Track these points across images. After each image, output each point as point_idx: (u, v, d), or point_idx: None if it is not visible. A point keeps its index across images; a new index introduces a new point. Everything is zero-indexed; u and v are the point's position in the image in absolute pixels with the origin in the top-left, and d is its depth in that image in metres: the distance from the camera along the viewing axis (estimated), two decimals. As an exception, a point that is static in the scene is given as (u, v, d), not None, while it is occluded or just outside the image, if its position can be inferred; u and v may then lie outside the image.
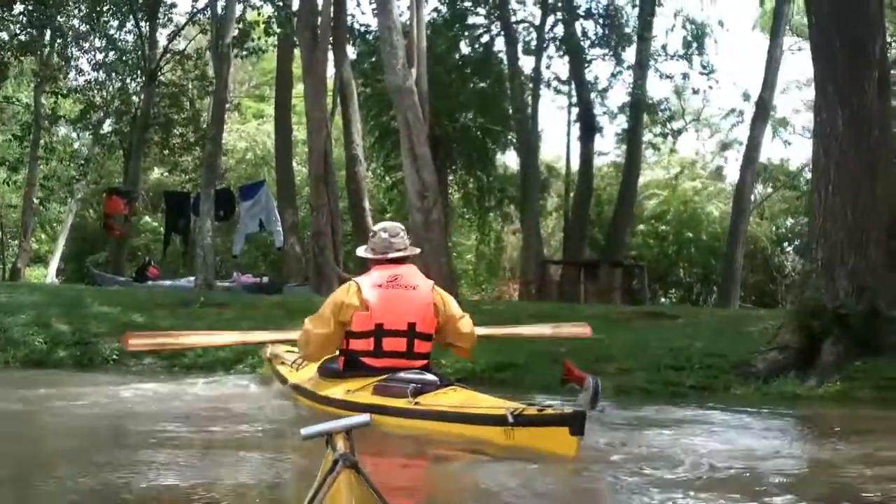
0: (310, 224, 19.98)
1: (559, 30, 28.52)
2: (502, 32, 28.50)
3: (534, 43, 28.81)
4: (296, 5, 21.22)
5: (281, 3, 23.51)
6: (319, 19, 17.86)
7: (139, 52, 29.61)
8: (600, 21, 28.41)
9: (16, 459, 5.32)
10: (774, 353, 9.68)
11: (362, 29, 26.14)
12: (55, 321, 11.98)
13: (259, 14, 24.85)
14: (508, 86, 28.25)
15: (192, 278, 20.71)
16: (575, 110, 29.19)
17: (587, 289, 24.99)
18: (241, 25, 23.60)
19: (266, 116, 38.96)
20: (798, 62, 68.34)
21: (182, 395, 8.12)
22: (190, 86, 30.75)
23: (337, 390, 6.58)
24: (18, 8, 26.40)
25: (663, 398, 8.89)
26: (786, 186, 37.00)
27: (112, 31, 29.73)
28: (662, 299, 33.97)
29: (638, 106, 27.97)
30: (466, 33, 29.09)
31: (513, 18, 28.62)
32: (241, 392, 7.29)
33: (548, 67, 29.39)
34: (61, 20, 28.09)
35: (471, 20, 29.14)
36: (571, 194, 29.84)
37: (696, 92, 32.09)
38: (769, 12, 30.69)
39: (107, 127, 32.35)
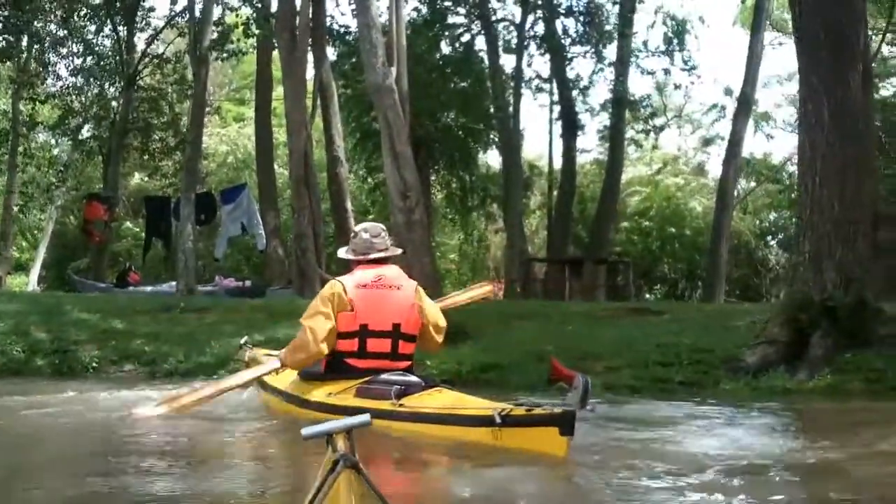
0: (292, 227, 19.83)
1: (540, 28, 28.52)
2: (483, 31, 28.41)
3: (514, 41, 28.78)
4: (275, 6, 21.03)
5: (259, 5, 23.33)
6: (298, 20, 17.71)
7: (117, 57, 29.37)
8: (581, 18, 28.33)
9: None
10: (763, 347, 9.62)
11: (342, 30, 25.99)
12: (34, 329, 11.81)
13: (237, 16, 24.67)
14: (490, 85, 28.19)
15: (173, 283, 20.55)
16: (557, 108, 29.17)
17: (572, 286, 24.94)
18: (219, 28, 23.44)
19: (247, 120, 38.76)
20: (779, 57, 68.84)
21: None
22: (169, 90, 30.56)
23: (318, 393, 6.45)
24: (-6, 14, 26.17)
25: (652, 395, 8.83)
26: (769, 180, 37.04)
27: (90, 36, 29.47)
28: (647, 295, 33.96)
29: (620, 103, 27.93)
30: (447, 33, 28.97)
31: (493, 17, 28.56)
32: (222, 398, 7.11)
33: (529, 65, 29.17)
34: (38, 25, 27.78)
35: (451, 19, 29.03)
36: (554, 192, 29.80)
37: (677, 87, 32.18)
38: (749, 7, 30.73)
39: (86, 132, 32.08)
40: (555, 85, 29.04)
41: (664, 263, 35.59)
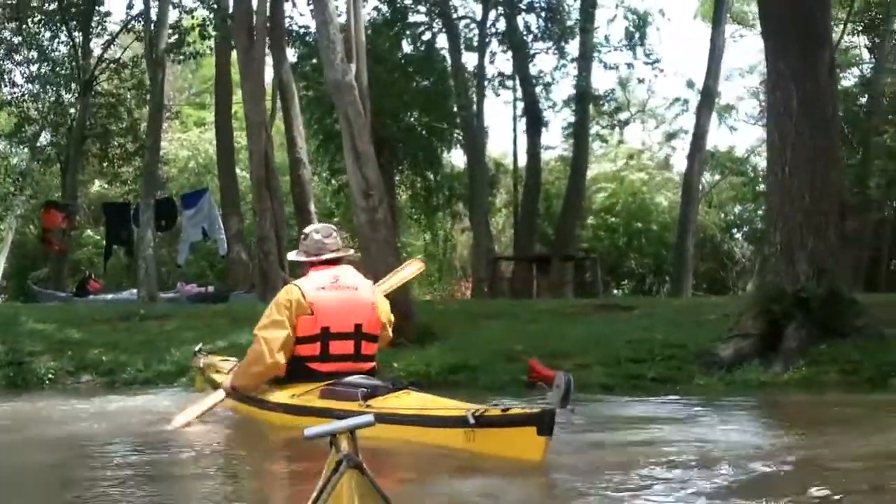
0: (254, 230, 19.52)
1: (501, 24, 28.39)
2: (444, 29, 28.25)
3: (476, 39, 28.60)
4: (232, 7, 20.69)
5: (216, 6, 22.99)
6: (255, 19, 17.41)
7: (73, 63, 28.92)
8: (542, 14, 28.24)
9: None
10: (737, 340, 9.48)
11: (302, 31, 25.67)
12: (-13, 341, 11.43)
13: (193, 18, 24.33)
14: (452, 83, 27.98)
15: (134, 291, 20.22)
16: (520, 105, 29.04)
17: (539, 284, 24.92)
18: (176, 31, 23.11)
19: (208, 124, 38.33)
20: (740, 50, 69.34)
21: (115, 412, 7.71)
22: (129, 95, 30.12)
23: (281, 395, 6.29)
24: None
25: (625, 392, 8.69)
26: (733, 173, 37.15)
27: (45, 43, 29.00)
28: (615, 291, 33.96)
29: (583, 98, 27.87)
30: (408, 31, 28.72)
31: (454, 15, 28.41)
32: (180, 405, 6.86)
33: (491, 63, 29.05)
34: (-9, 32, 27.36)
35: (412, 18, 28.81)
36: (520, 190, 29.66)
37: (641, 81, 32.25)
38: (710, 1, 30.71)
39: (43, 140, 31.67)
40: (518, 82, 28.93)
41: (631, 259, 35.63)
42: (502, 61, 30.39)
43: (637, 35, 28.50)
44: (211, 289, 22.10)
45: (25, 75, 29.98)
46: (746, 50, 72.00)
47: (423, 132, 29.17)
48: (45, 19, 28.16)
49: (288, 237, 19.49)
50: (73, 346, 11.37)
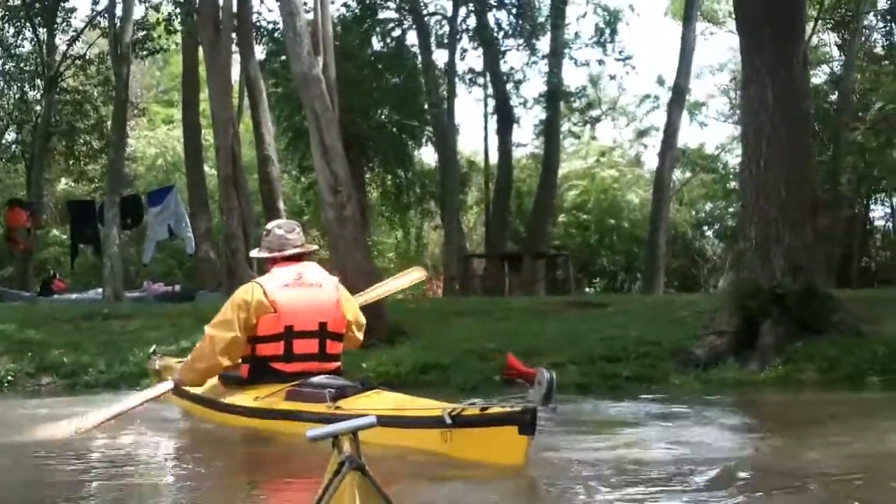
0: (222, 228, 19.24)
1: (472, 21, 28.17)
2: (414, 26, 28.03)
3: (447, 35, 28.41)
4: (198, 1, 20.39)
5: (181, 0, 22.67)
6: (221, 13, 17.13)
7: (38, 59, 28.46)
8: (513, 11, 28.08)
9: None
10: (712, 338, 9.37)
11: (270, 26, 25.40)
12: (-56, 343, 11.12)
13: (158, 12, 23.98)
14: (423, 80, 27.80)
15: (100, 290, 19.83)
16: (492, 102, 28.88)
17: (511, 281, 24.81)
18: (142, 26, 22.77)
19: (175, 122, 37.93)
20: (711, 47, 69.59)
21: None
22: (95, 92, 29.69)
23: (243, 398, 6.06)
24: None
25: (600, 392, 8.55)
26: (704, 170, 37.19)
27: (9, 39, 28.53)
28: (587, 289, 33.93)
29: (555, 95, 27.73)
30: (377, 28, 28.53)
31: (424, 11, 28.20)
32: (138, 411, 6.62)
33: (462, 59, 28.81)
34: (-47, 29, 26.89)
35: (382, 14, 28.62)
36: (491, 187, 29.53)
37: (612, 78, 32.14)
38: (681, -2, 30.67)
39: (8, 137, 31.17)
40: (489, 78, 28.76)
41: (603, 256, 35.61)
42: (473, 58, 30.17)
43: (608, 32, 28.45)
44: (178, 288, 21.77)
45: (-12, 73, 29.53)
46: (716, 48, 72.37)
47: (394, 129, 29.05)
48: (8, 15, 27.65)
49: (256, 235, 19.22)
50: (33, 346, 11.06)
